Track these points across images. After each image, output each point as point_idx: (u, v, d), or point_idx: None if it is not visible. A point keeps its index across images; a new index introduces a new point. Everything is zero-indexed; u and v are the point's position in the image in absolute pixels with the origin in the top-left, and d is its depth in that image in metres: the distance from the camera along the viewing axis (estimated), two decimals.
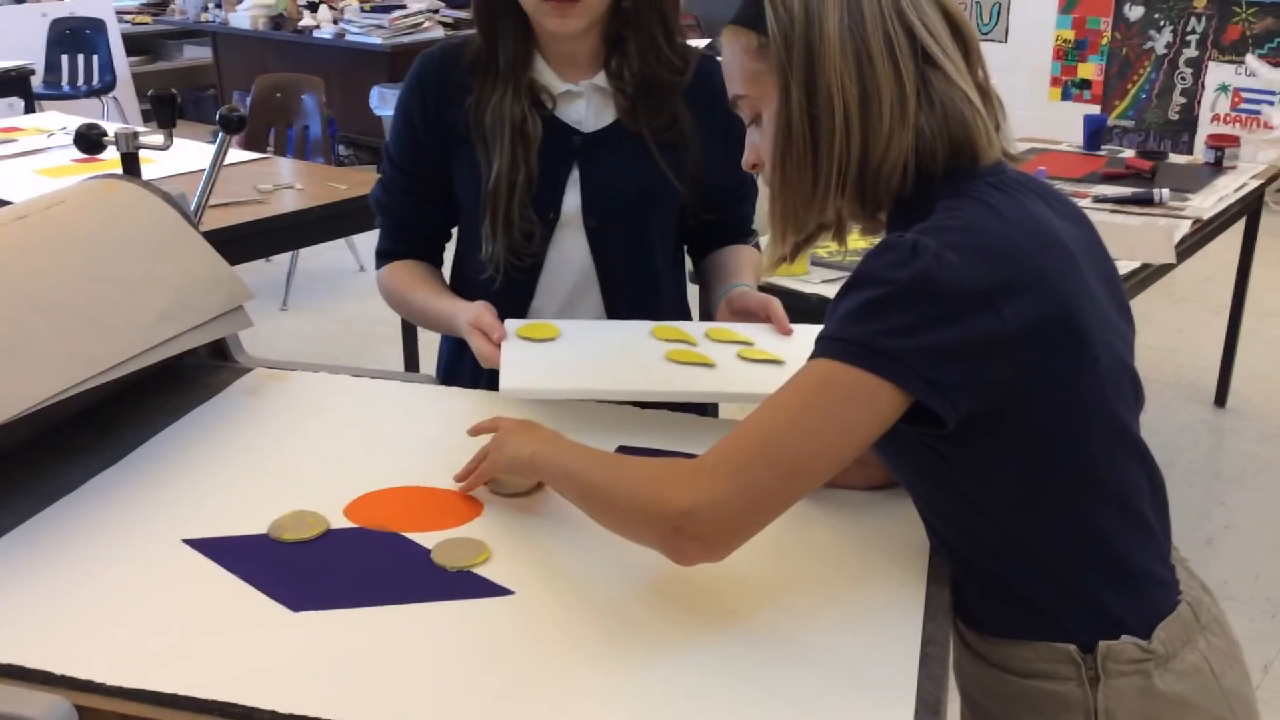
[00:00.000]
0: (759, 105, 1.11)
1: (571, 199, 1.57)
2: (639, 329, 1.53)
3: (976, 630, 1.16)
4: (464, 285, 1.65)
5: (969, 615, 1.16)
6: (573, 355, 1.46)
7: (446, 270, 1.71)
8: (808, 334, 1.43)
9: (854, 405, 0.99)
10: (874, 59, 1.03)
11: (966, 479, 1.08)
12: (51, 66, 7.09)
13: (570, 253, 1.60)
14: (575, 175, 1.57)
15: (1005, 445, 1.05)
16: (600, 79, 1.57)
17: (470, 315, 1.48)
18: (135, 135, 2.01)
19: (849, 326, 1.00)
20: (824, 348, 1.02)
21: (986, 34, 6.64)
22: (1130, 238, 2.87)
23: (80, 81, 7.16)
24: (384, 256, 1.69)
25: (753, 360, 1.45)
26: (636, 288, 1.63)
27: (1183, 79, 6.01)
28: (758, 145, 1.14)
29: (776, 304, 1.54)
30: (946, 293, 0.97)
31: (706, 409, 1.62)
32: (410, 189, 1.64)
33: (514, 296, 1.60)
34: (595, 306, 1.62)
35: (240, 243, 2.94)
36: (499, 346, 1.44)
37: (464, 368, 1.63)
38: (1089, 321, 1.03)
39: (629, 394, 1.40)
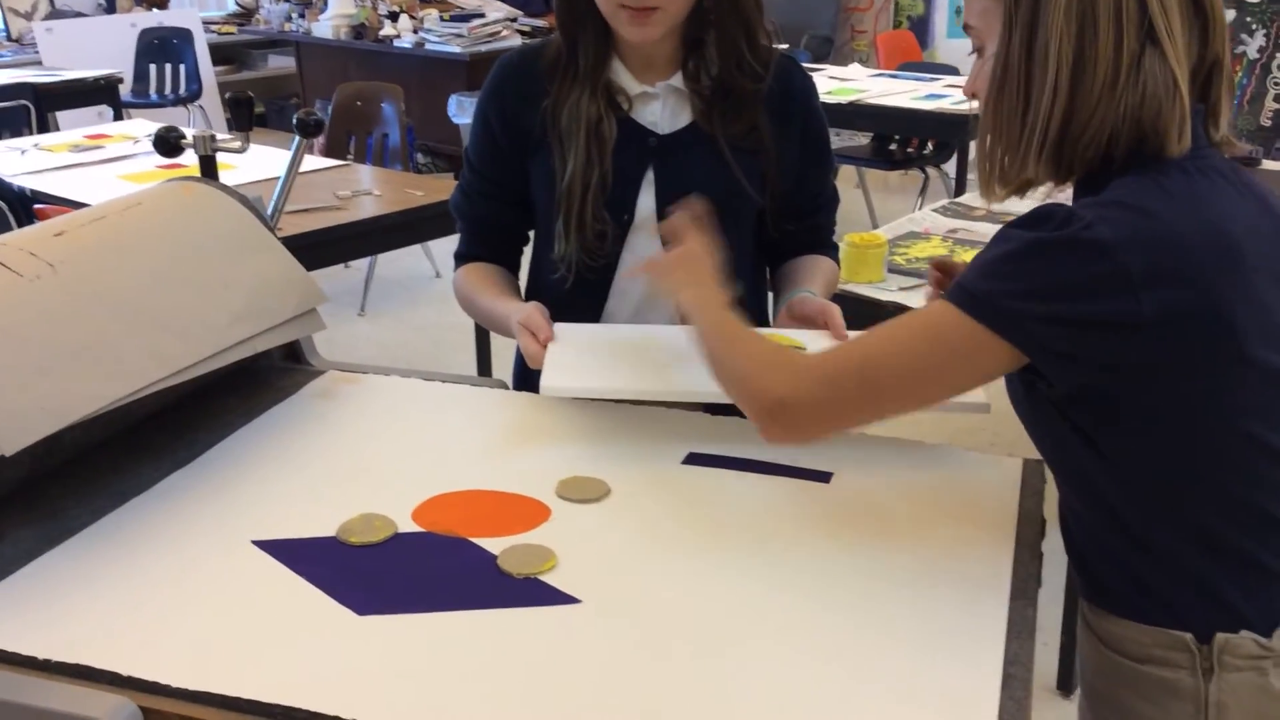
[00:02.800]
0: (984, 39, 1.12)
1: (646, 201, 1.56)
2: (689, 333, 1.51)
3: (1099, 605, 1.15)
4: (539, 286, 1.64)
5: (1094, 590, 1.16)
6: (617, 356, 1.45)
7: (522, 275, 1.70)
8: None
9: (961, 356, 1.03)
10: (1098, 23, 1.01)
11: (1101, 455, 1.08)
12: (140, 76, 7.25)
13: (644, 255, 1.57)
14: (650, 177, 1.56)
15: (1135, 429, 1.05)
16: (677, 80, 1.55)
17: (521, 315, 1.48)
18: (213, 138, 2.04)
19: (980, 280, 1.03)
20: (952, 293, 1.05)
21: None
22: None
23: (168, 90, 7.31)
24: (461, 259, 1.70)
25: None
26: None
27: (1276, 84, 5.83)
28: (977, 76, 1.14)
29: (836, 311, 1.51)
30: (1087, 265, 0.97)
31: None
32: (488, 193, 1.64)
33: (587, 298, 1.59)
34: (667, 311, 1.60)
35: (319, 248, 2.97)
36: (545, 347, 1.44)
37: (536, 372, 1.62)
38: (1247, 325, 1.00)
39: (670, 395, 1.39)
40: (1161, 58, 1.01)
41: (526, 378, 1.67)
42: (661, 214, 1.55)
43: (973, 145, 5.74)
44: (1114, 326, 0.98)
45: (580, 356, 1.43)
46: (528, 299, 1.63)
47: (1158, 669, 1.10)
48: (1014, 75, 1.05)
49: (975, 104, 1.15)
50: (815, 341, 1.48)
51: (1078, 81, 1.02)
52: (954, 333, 1.03)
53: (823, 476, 1.30)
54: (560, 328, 1.49)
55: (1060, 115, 1.04)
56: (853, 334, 1.50)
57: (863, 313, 1.52)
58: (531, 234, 1.69)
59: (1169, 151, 1.03)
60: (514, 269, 1.70)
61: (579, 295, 1.57)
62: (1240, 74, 5.96)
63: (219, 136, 2.10)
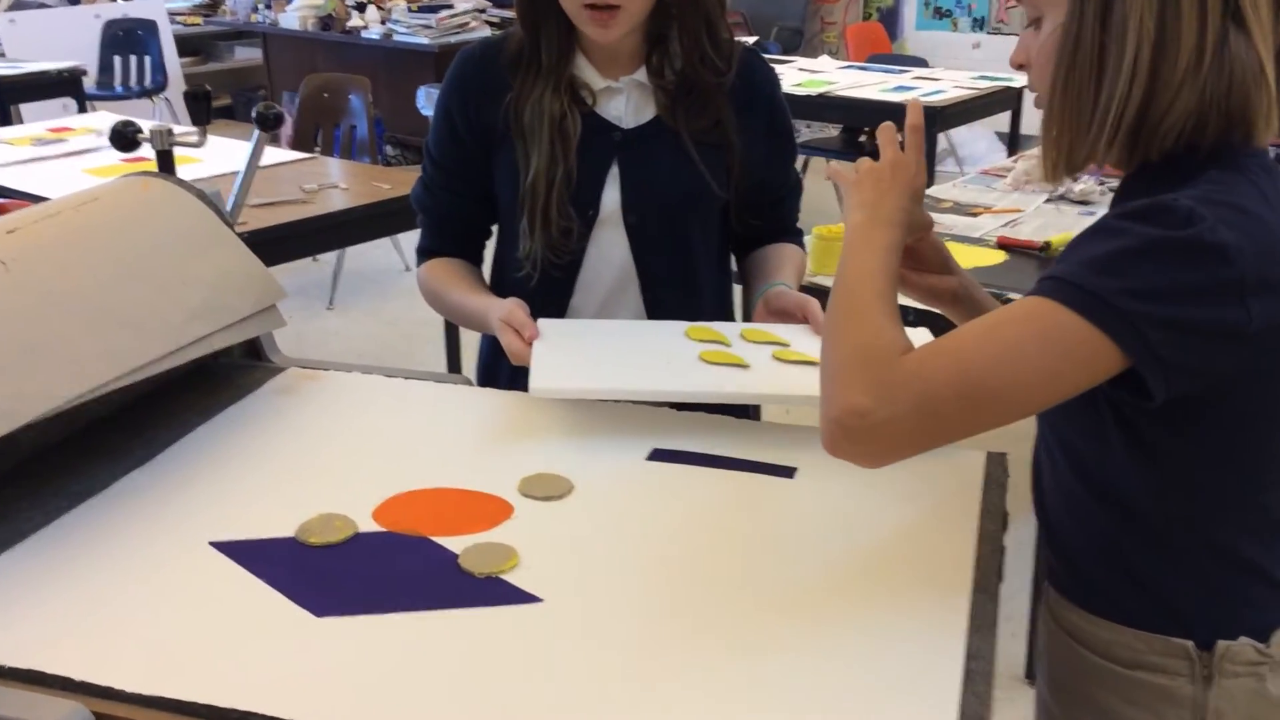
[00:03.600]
0: (1042, 9, 1.05)
1: (611, 196, 1.55)
2: (673, 329, 1.50)
3: (1085, 609, 1.13)
4: (503, 283, 1.63)
5: (1084, 592, 1.14)
6: (604, 355, 1.43)
7: (486, 269, 1.69)
8: None
9: (1073, 359, 0.94)
10: (1180, 0, 0.95)
11: (1147, 455, 1.05)
12: (104, 68, 7.18)
13: (610, 251, 1.57)
14: (615, 172, 1.55)
15: (1198, 435, 1.02)
16: (641, 75, 1.55)
17: (503, 312, 1.46)
18: (170, 133, 2.01)
19: (1091, 275, 0.94)
20: (1055, 289, 0.95)
21: None
22: None
23: (133, 82, 7.25)
24: (424, 254, 1.68)
25: (788, 361, 1.42)
26: (676, 286, 1.60)
27: None
28: (1029, 47, 1.07)
29: (815, 304, 1.50)
30: (1208, 269, 0.92)
31: (745, 410, 1.59)
32: (450, 187, 1.63)
33: (552, 294, 1.58)
34: (634, 305, 1.60)
35: (285, 241, 2.95)
36: (530, 344, 1.41)
37: (502, 368, 1.61)
38: None
39: (660, 394, 1.37)
40: (1248, 39, 0.96)
41: (492, 373, 1.66)
42: (626, 209, 1.54)
43: (941, 137, 5.76)
44: (1224, 335, 0.93)
45: (569, 355, 1.41)
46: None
47: (1150, 675, 1.08)
48: (1087, 52, 0.98)
49: (1024, 78, 1.09)
50: (796, 337, 1.48)
51: (1159, 61, 0.96)
52: (1066, 335, 0.93)
53: (786, 472, 1.30)
54: (544, 323, 1.47)
55: (1140, 97, 0.97)
56: (819, 341, 1.47)
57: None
58: (494, 229, 1.68)
59: (1257, 140, 0.99)
60: (477, 263, 1.69)
61: (544, 292, 1.56)
62: None
63: (177, 130, 2.07)
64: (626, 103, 1.56)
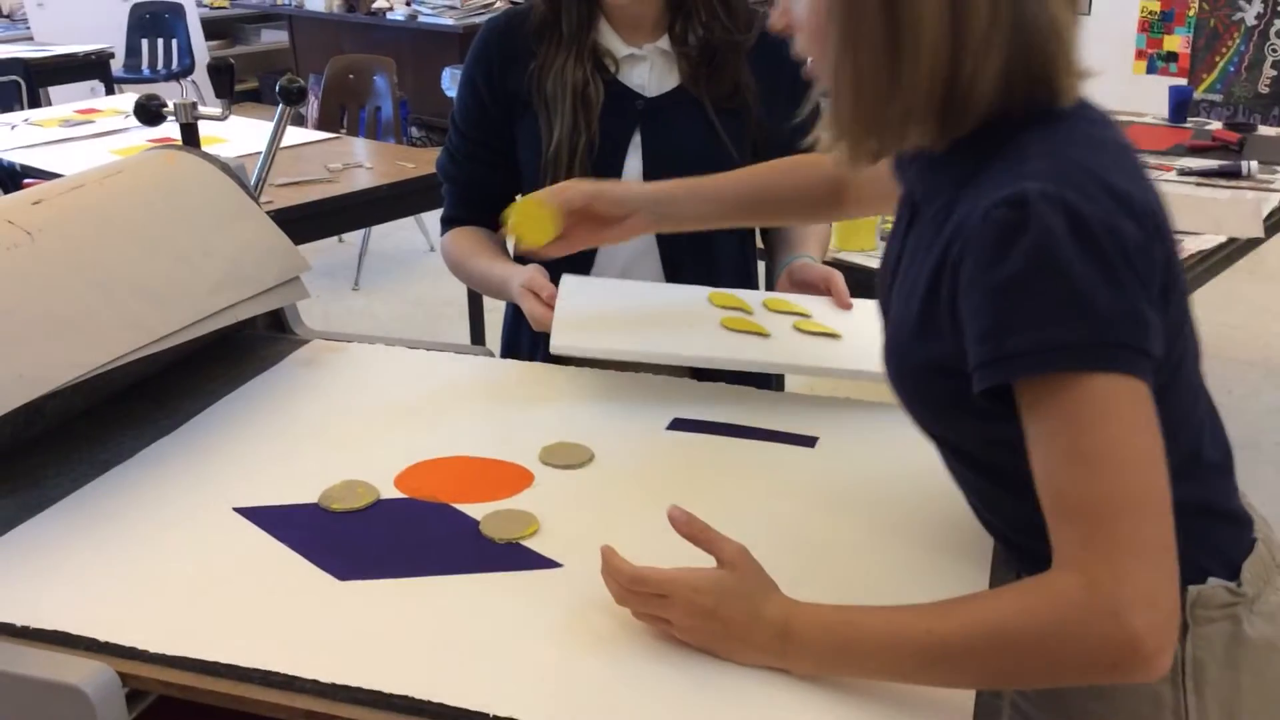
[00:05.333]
0: None
1: (633, 163, 1.55)
2: (696, 294, 1.50)
3: None
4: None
5: (1042, 565, 1.09)
6: (626, 317, 1.44)
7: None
8: (867, 309, 1.41)
9: (1145, 419, 0.84)
10: None
11: None
12: (131, 51, 7.21)
13: None
14: (637, 140, 1.55)
15: None
16: (664, 43, 1.55)
17: (523, 278, 1.47)
18: (194, 106, 2.02)
19: (1060, 330, 0.83)
20: (1045, 360, 0.84)
21: None
22: (1217, 211, 2.76)
23: (159, 65, 7.27)
24: (448, 223, 1.69)
25: (809, 333, 1.42)
26: (696, 254, 1.60)
27: (1274, 50, 5.80)
28: (789, 8, 0.96)
29: (838, 277, 1.50)
30: (1140, 244, 0.85)
31: (767, 380, 1.59)
32: (475, 155, 1.64)
33: (574, 261, 1.58)
34: (654, 272, 1.60)
35: (310, 220, 2.96)
36: (551, 308, 1.42)
37: (523, 339, 1.62)
38: (1179, 262, 0.93)
39: (679, 359, 1.38)
40: None
41: (513, 343, 1.66)
42: (648, 177, 1.54)
43: None
44: (1163, 292, 0.87)
45: (590, 315, 1.41)
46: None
47: None
48: (873, 25, 0.88)
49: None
50: (818, 308, 1.48)
51: (959, 26, 0.86)
52: (1120, 404, 0.83)
53: (808, 441, 1.29)
54: (568, 280, 1.47)
55: (945, 70, 0.88)
56: (858, 302, 1.47)
57: (853, 281, 1.51)
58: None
59: (1063, 99, 0.91)
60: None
61: (565, 259, 1.56)
62: (1238, 40, 5.93)
63: (199, 104, 2.08)
64: (650, 71, 1.56)
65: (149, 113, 1.89)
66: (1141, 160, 0.95)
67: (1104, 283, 0.83)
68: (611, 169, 1.54)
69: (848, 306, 1.48)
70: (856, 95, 0.92)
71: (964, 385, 0.90)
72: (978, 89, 0.89)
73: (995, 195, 0.87)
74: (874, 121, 0.92)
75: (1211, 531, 1.03)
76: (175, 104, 1.99)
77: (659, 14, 1.55)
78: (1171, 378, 0.93)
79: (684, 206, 1.37)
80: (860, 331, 1.40)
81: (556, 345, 1.35)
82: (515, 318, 1.65)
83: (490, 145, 1.61)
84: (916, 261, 0.98)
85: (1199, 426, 1.02)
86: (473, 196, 1.66)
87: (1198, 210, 2.76)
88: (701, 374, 1.43)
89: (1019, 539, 1.03)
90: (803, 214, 1.46)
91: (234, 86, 2.02)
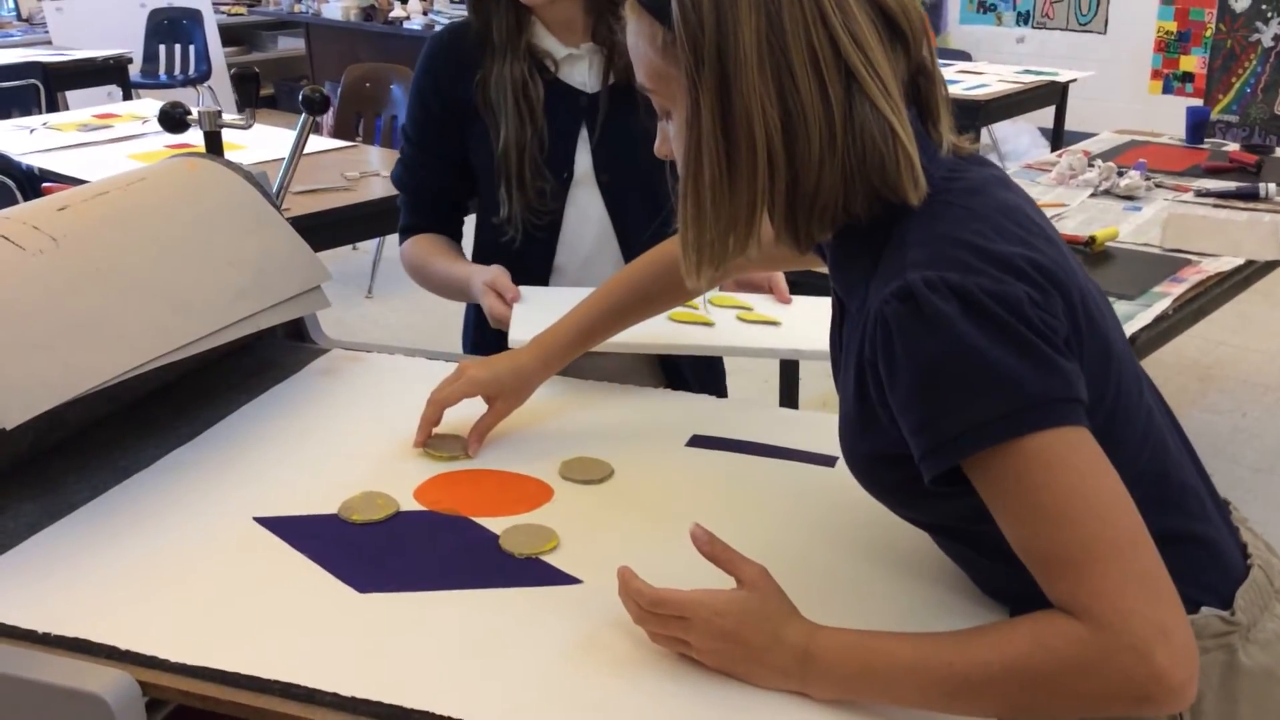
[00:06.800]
0: (669, 105, 0.96)
1: (583, 157, 1.61)
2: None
3: None
4: (486, 250, 1.68)
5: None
6: None
7: (466, 245, 1.75)
8: (805, 303, 1.59)
9: (1099, 463, 0.86)
10: (796, 76, 0.88)
11: None
12: (149, 56, 7.24)
13: (587, 209, 1.63)
14: (584, 135, 1.61)
15: None
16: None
17: (486, 276, 1.53)
18: (218, 114, 2.03)
19: (995, 401, 0.85)
20: (987, 433, 0.85)
21: (1085, 25, 6.47)
22: (1235, 233, 2.76)
23: (177, 71, 7.30)
24: (406, 232, 1.74)
25: (751, 322, 1.54)
26: (654, 242, 1.62)
27: None
28: (667, 140, 0.99)
29: (779, 276, 1.61)
30: (1040, 303, 0.87)
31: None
32: (428, 165, 1.69)
33: (536, 255, 1.65)
34: (615, 261, 1.65)
35: (326, 229, 2.96)
36: (511, 307, 1.49)
37: (488, 337, 1.66)
38: (1098, 306, 0.95)
39: (629, 346, 1.45)
40: (872, 104, 0.89)
41: (481, 345, 1.70)
42: (598, 169, 1.61)
43: (984, 132, 5.72)
44: (1075, 338, 0.89)
45: (546, 313, 1.45)
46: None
47: None
48: (712, 153, 0.90)
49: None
50: (760, 304, 1.60)
51: (793, 146, 0.89)
52: (1065, 455, 0.85)
53: (828, 460, 1.29)
54: (525, 290, 1.53)
55: (784, 186, 0.91)
56: (797, 298, 1.58)
57: (805, 283, 1.62)
58: (473, 206, 1.73)
59: (910, 201, 0.92)
60: (457, 239, 1.75)
61: (528, 254, 1.62)
62: (1255, 62, 5.93)
63: (223, 112, 2.09)
64: (589, 68, 1.60)
65: (173, 121, 1.90)
66: (1030, 213, 0.97)
67: (1011, 349, 0.85)
68: (563, 163, 1.60)
69: (787, 301, 1.60)
70: (699, 213, 0.93)
71: (916, 471, 0.91)
72: (820, 200, 0.92)
73: (884, 290, 0.89)
74: (717, 237, 0.93)
75: (1197, 559, 1.01)
76: (200, 112, 2.00)
77: (587, 14, 1.59)
78: (1113, 408, 0.94)
79: (561, 353, 1.36)
80: (799, 320, 1.55)
81: (515, 339, 1.41)
82: (478, 318, 1.69)
83: (441, 153, 1.66)
84: (850, 355, 0.99)
85: (1160, 444, 1.01)
86: (428, 204, 1.72)
87: (1216, 232, 2.76)
88: (667, 369, 1.55)
89: (1030, 608, 0.95)
90: (678, 299, 1.42)
91: (259, 95, 2.02)
